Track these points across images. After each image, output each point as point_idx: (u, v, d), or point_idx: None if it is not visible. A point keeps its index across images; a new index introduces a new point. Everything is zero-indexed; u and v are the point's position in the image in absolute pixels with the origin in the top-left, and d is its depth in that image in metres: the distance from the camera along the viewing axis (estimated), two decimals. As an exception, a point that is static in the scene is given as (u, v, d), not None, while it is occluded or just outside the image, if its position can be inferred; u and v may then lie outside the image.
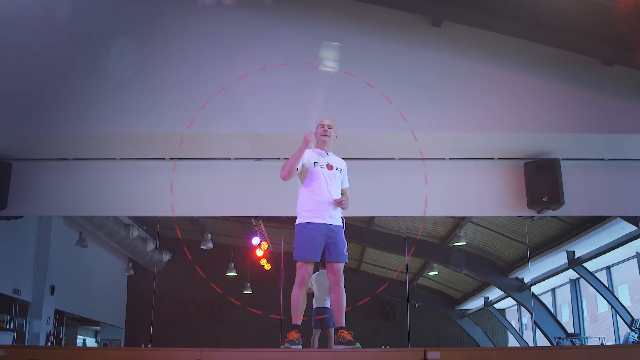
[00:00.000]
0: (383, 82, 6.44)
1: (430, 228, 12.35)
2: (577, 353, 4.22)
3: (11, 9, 6.65)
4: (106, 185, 7.05)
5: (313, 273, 5.46)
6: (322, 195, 4.37)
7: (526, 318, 16.71)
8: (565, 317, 15.32)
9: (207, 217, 12.14)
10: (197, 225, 13.49)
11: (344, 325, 4.33)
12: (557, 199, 6.70)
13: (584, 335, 13.22)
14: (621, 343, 11.65)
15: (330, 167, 4.45)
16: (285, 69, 6.44)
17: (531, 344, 14.45)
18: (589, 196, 7.06)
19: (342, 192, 4.58)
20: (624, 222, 9.08)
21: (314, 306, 7.84)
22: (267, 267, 13.94)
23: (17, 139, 6.65)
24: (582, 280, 13.02)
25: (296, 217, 4.46)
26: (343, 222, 4.47)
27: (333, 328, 6.74)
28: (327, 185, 4.39)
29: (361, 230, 12.70)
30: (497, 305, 16.71)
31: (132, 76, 6.51)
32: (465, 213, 9.24)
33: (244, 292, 14.80)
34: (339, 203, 4.38)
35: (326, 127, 4.56)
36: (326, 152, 4.56)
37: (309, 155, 4.47)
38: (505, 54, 6.64)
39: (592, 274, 11.90)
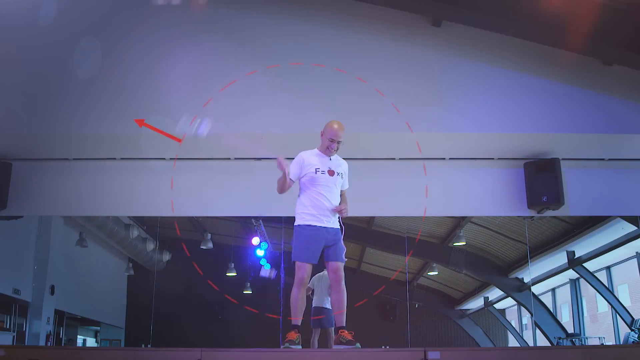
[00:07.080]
0: (383, 82, 6.45)
1: (430, 228, 12.34)
2: (577, 353, 4.22)
3: (11, 10, 6.64)
4: (106, 185, 7.06)
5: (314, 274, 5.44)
6: (322, 201, 4.37)
7: (526, 318, 16.69)
8: (565, 317, 15.30)
9: (207, 217, 12.13)
10: (197, 225, 13.48)
11: (344, 325, 4.34)
12: (557, 199, 6.70)
13: (584, 335, 13.20)
14: (621, 343, 11.64)
15: (331, 173, 4.42)
16: (286, 69, 6.44)
17: (531, 344, 14.43)
18: (589, 196, 7.06)
19: (341, 193, 4.56)
20: (624, 222, 9.09)
21: (313, 306, 7.84)
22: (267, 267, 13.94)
23: (17, 139, 6.65)
24: (582, 280, 13.02)
25: (295, 217, 4.47)
26: (341, 227, 4.46)
27: (333, 328, 6.73)
28: (327, 191, 4.38)
29: (361, 230, 12.70)
30: (497, 305, 16.69)
31: (133, 76, 6.51)
32: (465, 213, 9.24)
33: (244, 292, 14.79)
34: (339, 211, 4.38)
35: (336, 145, 4.41)
36: (329, 157, 4.49)
37: (311, 160, 4.43)
38: (505, 54, 6.64)
39: (592, 274, 11.89)
